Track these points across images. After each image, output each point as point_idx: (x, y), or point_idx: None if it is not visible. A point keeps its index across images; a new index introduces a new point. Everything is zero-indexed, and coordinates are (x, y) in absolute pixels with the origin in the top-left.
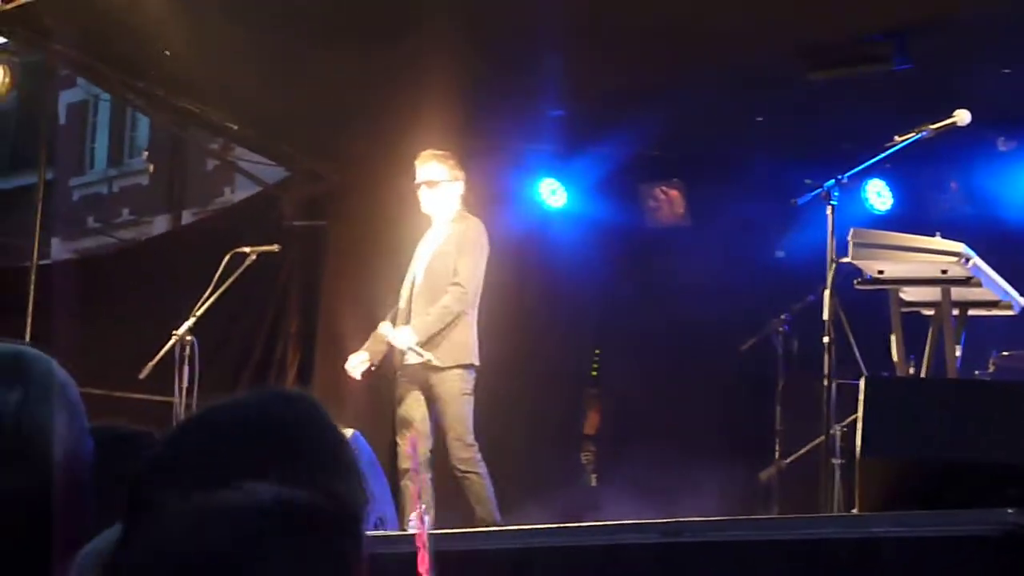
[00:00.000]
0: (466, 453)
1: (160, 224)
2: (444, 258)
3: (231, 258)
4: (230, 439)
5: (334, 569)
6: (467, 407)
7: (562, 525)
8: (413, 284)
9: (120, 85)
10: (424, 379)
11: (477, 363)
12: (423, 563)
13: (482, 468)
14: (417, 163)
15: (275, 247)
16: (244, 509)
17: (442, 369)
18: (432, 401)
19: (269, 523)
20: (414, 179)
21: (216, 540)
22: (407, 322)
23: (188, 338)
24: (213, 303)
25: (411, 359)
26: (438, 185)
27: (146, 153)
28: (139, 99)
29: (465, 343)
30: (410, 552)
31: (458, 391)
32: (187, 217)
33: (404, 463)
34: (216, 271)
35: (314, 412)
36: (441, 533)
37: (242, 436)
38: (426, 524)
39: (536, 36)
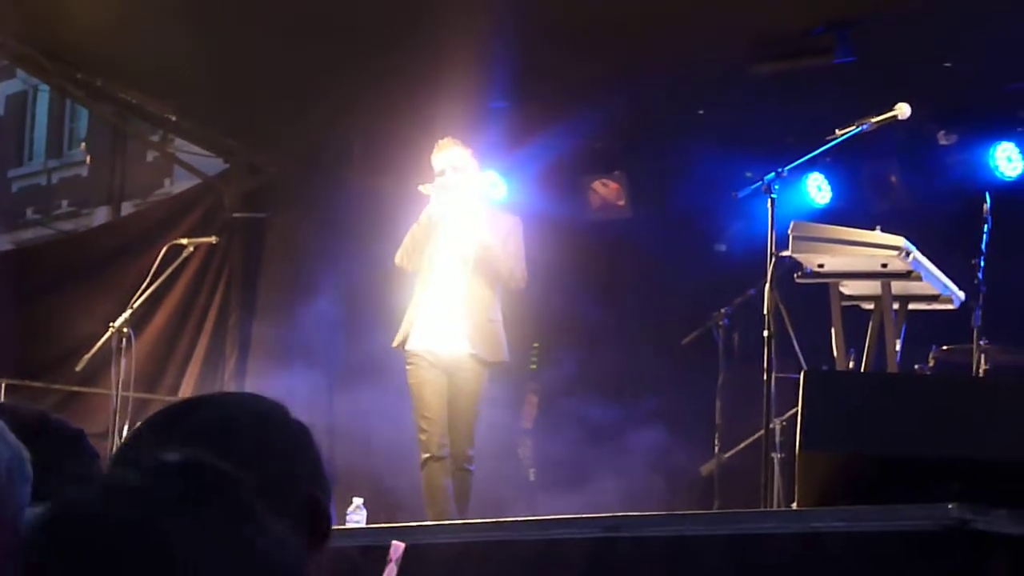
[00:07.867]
0: (472, 451)
1: (100, 216)
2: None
3: (168, 250)
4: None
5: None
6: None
7: (500, 520)
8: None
9: (59, 76)
10: (455, 369)
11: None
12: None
13: (474, 467)
14: (437, 151)
15: (213, 239)
16: (143, 473)
17: (489, 364)
18: (457, 392)
19: (168, 483)
20: (426, 170)
21: (109, 503)
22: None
23: (125, 330)
24: (151, 295)
25: (449, 349)
26: (464, 169)
27: (84, 144)
28: (78, 90)
29: (504, 344)
30: (348, 546)
31: (483, 389)
32: (127, 208)
33: (428, 451)
34: (155, 263)
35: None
36: (374, 528)
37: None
38: (364, 516)
39: (481, 28)
